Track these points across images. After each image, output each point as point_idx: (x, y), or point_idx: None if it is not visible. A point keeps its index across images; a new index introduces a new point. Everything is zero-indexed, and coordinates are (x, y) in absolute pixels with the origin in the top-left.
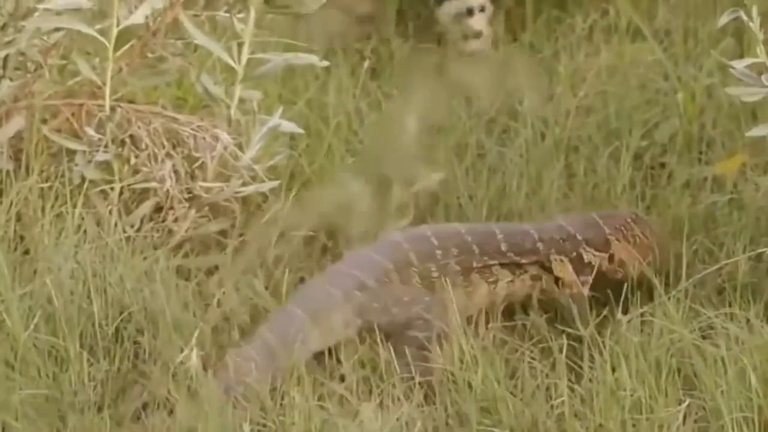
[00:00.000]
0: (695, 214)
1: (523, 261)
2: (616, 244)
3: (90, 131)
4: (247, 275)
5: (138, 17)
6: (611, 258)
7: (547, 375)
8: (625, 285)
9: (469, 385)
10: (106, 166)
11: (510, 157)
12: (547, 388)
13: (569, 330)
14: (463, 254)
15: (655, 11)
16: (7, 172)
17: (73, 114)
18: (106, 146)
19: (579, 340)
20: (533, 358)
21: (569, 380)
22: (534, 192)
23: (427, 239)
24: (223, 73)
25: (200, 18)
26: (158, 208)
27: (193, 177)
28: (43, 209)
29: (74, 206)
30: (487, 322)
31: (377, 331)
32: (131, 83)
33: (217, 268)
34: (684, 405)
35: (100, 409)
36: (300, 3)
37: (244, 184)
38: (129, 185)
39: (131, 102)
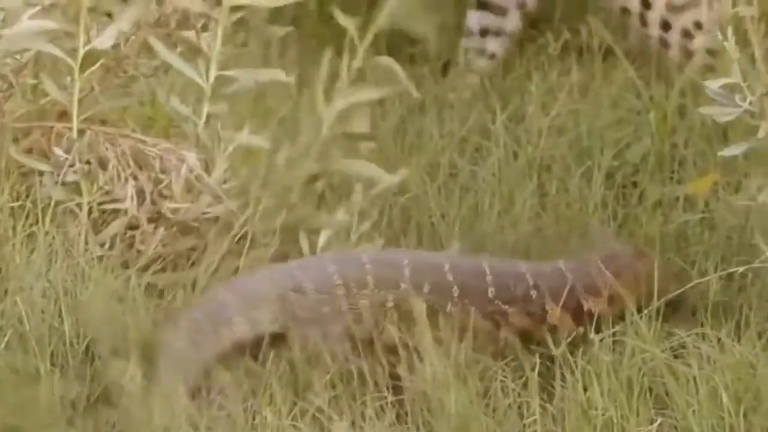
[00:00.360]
0: (667, 234)
1: (511, 310)
2: (617, 286)
3: (58, 152)
4: None
5: (107, 38)
6: (611, 301)
7: (519, 394)
8: None
9: (442, 405)
10: (75, 186)
11: (482, 176)
12: (520, 407)
13: (541, 349)
14: (437, 293)
15: (627, 30)
16: None
17: (43, 134)
18: (73, 167)
19: (551, 359)
20: (506, 377)
21: (541, 399)
22: (506, 211)
23: (397, 266)
24: (194, 91)
25: (171, 38)
26: (129, 228)
27: (160, 197)
28: (14, 228)
29: (44, 226)
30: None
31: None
32: (101, 104)
33: (185, 286)
34: (656, 424)
35: (70, 428)
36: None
37: (213, 203)
38: (97, 205)
39: (102, 122)
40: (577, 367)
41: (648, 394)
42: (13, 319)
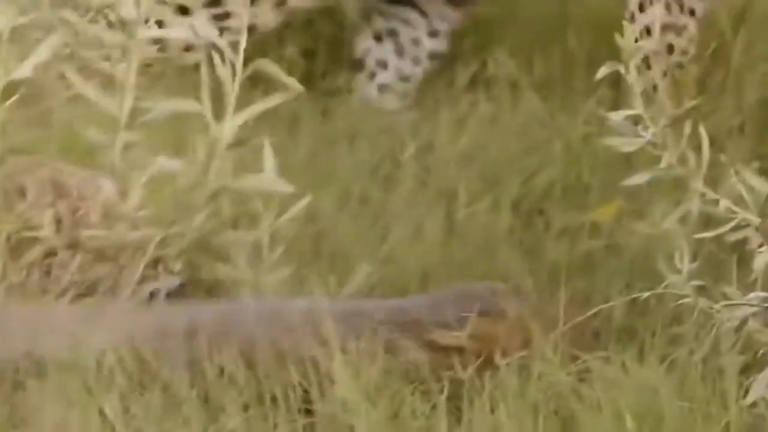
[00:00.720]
0: (573, 260)
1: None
2: (476, 321)
3: None
4: None
5: (25, 70)
6: (473, 337)
7: (428, 417)
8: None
9: (352, 428)
10: None
11: (392, 204)
12: (428, 430)
13: (450, 374)
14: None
15: (533, 62)
16: None
17: None
18: None
19: (459, 382)
20: (415, 401)
21: (450, 422)
22: (416, 238)
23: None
24: (109, 121)
25: (84, 69)
26: (47, 255)
27: (77, 225)
28: None
29: None
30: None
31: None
32: (19, 134)
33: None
34: None
35: None
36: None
37: (128, 231)
38: (15, 233)
39: (18, 151)
40: (484, 390)
41: (554, 416)
42: None
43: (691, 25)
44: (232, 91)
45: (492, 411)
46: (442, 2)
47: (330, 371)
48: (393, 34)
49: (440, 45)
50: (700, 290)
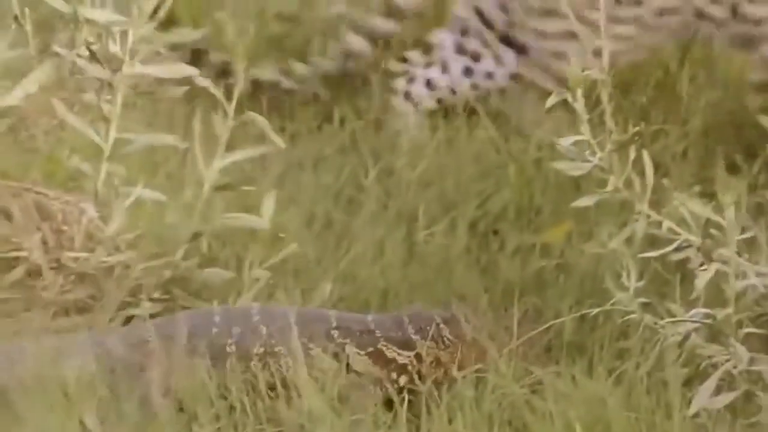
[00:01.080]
0: (525, 278)
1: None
2: (421, 344)
3: None
4: None
5: (12, 99)
6: (419, 357)
7: (389, 426)
8: None
9: None
10: None
11: (355, 226)
12: None
13: (409, 385)
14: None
15: (489, 94)
16: None
17: None
18: None
19: (418, 394)
20: (377, 411)
21: (409, 431)
22: (377, 258)
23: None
24: (91, 149)
25: (70, 100)
26: (31, 275)
27: (61, 247)
28: None
29: None
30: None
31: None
32: (6, 159)
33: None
34: None
35: None
36: (165, 90)
37: (109, 254)
38: (1, 254)
39: (5, 176)
40: (442, 401)
41: (508, 427)
42: None
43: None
44: (223, 135)
45: (449, 421)
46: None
47: (296, 383)
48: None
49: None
50: (646, 307)
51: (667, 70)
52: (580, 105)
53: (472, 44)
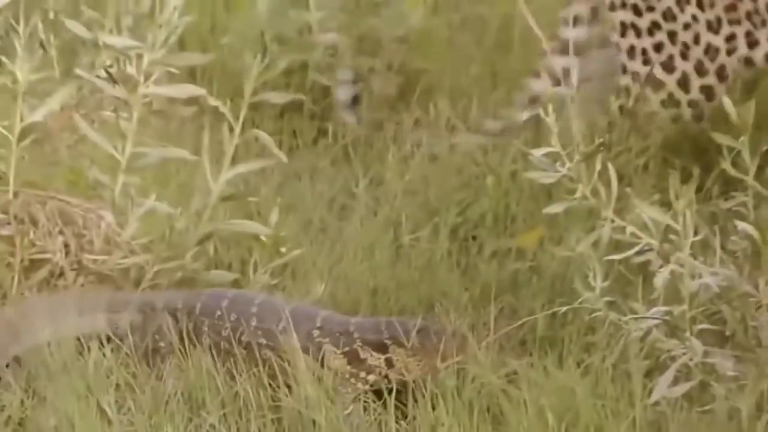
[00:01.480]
0: (502, 279)
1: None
2: (392, 348)
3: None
4: None
5: (39, 115)
6: (389, 361)
7: (379, 413)
8: None
9: (314, 422)
10: (9, 240)
11: (347, 231)
12: (379, 424)
13: (397, 376)
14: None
15: (469, 108)
16: None
17: None
18: (9, 224)
19: (405, 384)
20: (368, 399)
21: (397, 417)
22: (367, 259)
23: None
24: (109, 161)
25: (90, 116)
26: (55, 276)
27: (82, 250)
28: None
29: None
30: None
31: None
32: (32, 171)
33: None
34: None
35: None
36: (175, 110)
37: (126, 257)
38: (28, 256)
39: (32, 186)
40: (426, 390)
41: (486, 413)
42: None
43: None
44: (229, 150)
45: (433, 408)
46: None
47: (294, 374)
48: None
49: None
50: (611, 305)
51: (628, 90)
52: (551, 120)
53: None
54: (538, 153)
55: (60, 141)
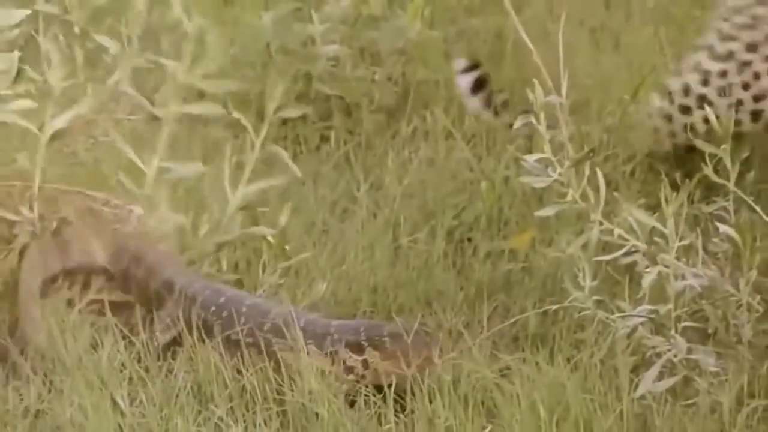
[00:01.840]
0: (495, 279)
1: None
2: (369, 351)
3: (25, 211)
4: None
5: (66, 119)
6: (365, 362)
7: (379, 406)
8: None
9: (317, 415)
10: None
11: (348, 232)
12: (379, 416)
13: (396, 371)
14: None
15: (463, 117)
16: None
17: (9, 194)
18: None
19: (404, 378)
20: (368, 393)
21: (396, 410)
22: (367, 259)
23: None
24: (133, 168)
25: (110, 121)
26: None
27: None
28: None
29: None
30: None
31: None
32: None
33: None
34: (487, 431)
35: None
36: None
37: None
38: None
39: (58, 184)
40: (424, 384)
41: (481, 406)
42: None
43: None
44: (249, 165)
45: (430, 402)
46: None
47: (298, 369)
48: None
49: None
50: (599, 304)
51: (618, 101)
52: (542, 127)
53: None
54: (530, 159)
55: (77, 143)
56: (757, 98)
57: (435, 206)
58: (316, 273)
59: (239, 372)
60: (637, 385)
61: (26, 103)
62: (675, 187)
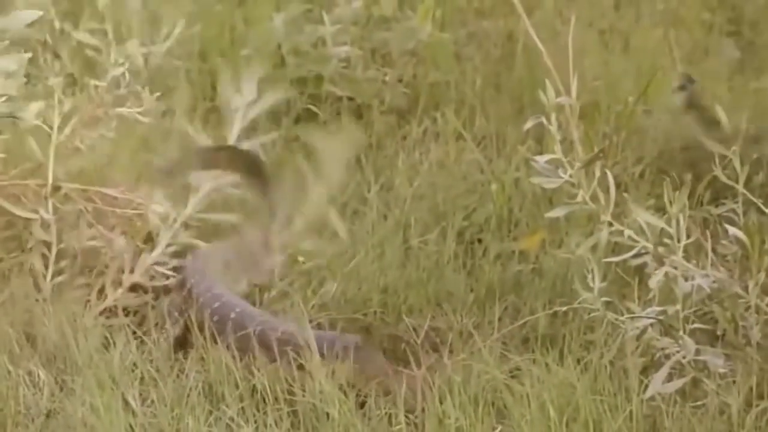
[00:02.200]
0: (505, 280)
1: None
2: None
3: (42, 211)
4: None
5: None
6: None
7: (389, 407)
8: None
9: (327, 415)
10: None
11: (359, 234)
12: (389, 417)
13: (406, 371)
14: None
15: (474, 119)
16: None
17: (23, 193)
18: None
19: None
20: (378, 394)
21: (406, 411)
22: (378, 260)
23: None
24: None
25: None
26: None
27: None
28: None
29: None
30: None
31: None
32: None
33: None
34: (497, 431)
35: None
36: None
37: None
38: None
39: (74, 181)
40: (434, 385)
41: (491, 407)
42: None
43: None
44: None
45: (440, 402)
46: None
47: (309, 369)
48: None
49: None
50: (609, 305)
51: (626, 103)
52: (553, 128)
53: None
54: (541, 160)
55: (83, 140)
56: None
57: (445, 207)
58: (327, 273)
59: (250, 372)
60: (646, 387)
61: (38, 105)
62: (683, 188)
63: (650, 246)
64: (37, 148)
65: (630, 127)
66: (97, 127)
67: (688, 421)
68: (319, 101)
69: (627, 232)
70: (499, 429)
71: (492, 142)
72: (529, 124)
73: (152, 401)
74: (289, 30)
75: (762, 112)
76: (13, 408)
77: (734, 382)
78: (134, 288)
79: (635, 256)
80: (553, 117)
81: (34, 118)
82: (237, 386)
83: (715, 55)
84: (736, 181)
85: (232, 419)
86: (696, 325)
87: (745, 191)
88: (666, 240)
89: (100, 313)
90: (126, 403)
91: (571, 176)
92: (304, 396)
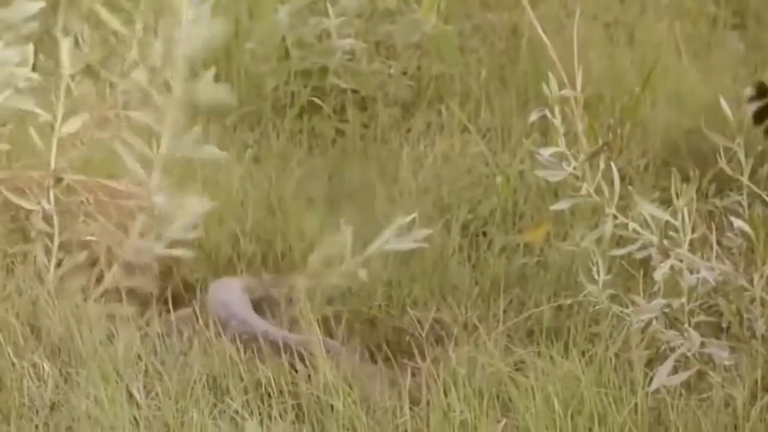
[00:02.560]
0: (510, 273)
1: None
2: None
3: (44, 202)
4: None
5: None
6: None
7: (393, 399)
8: None
9: (332, 407)
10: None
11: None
12: (394, 410)
13: (411, 364)
14: None
15: (479, 112)
16: None
17: (26, 184)
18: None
19: (419, 371)
20: (383, 386)
21: (411, 404)
22: (383, 253)
23: None
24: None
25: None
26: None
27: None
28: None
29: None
30: None
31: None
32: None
33: None
34: (501, 424)
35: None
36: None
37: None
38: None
39: (76, 173)
40: (439, 378)
41: (495, 399)
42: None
43: None
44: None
45: (445, 395)
46: None
47: (313, 362)
48: None
49: None
50: (613, 298)
51: (631, 94)
52: (557, 121)
53: None
54: (545, 153)
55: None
56: None
57: (450, 200)
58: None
59: (255, 364)
60: (651, 379)
61: (44, 96)
62: (688, 181)
63: (655, 238)
64: (38, 139)
65: (635, 120)
66: (105, 128)
67: (693, 413)
68: (324, 94)
69: (632, 224)
70: (503, 422)
71: (497, 134)
72: (533, 117)
73: (156, 394)
74: (294, 22)
75: None
76: (18, 400)
77: (739, 374)
78: (130, 269)
79: (640, 248)
80: (557, 110)
81: (35, 108)
82: (241, 379)
83: (720, 48)
84: (741, 174)
85: (236, 412)
86: (701, 318)
87: (749, 183)
88: (671, 233)
89: (101, 296)
90: (130, 395)
91: (575, 169)
92: (308, 389)
